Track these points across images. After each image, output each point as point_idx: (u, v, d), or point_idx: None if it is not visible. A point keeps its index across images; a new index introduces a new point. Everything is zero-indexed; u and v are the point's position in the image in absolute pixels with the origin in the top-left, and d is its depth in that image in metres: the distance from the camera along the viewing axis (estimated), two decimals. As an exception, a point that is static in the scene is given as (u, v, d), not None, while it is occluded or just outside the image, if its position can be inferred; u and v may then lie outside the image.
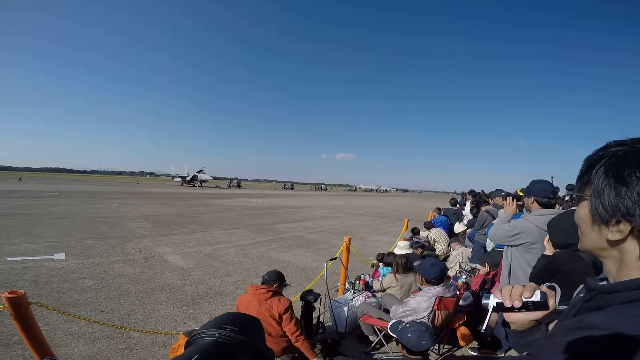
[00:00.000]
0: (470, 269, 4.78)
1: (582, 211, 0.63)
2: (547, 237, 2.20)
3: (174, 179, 66.57)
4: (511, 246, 2.71)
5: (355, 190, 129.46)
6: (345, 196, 54.59)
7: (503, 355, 3.09)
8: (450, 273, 5.10)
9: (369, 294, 4.03)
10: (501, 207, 3.22)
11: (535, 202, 2.64)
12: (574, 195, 0.70)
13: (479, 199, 6.34)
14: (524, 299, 0.71)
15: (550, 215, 2.27)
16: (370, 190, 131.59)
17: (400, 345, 2.34)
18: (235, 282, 5.40)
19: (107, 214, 12.82)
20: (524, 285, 0.75)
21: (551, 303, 0.73)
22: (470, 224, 6.08)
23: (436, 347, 3.25)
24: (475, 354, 3.28)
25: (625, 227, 0.54)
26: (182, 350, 0.53)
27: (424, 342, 2.18)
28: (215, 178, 76.59)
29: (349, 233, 11.10)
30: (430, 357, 3.04)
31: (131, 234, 9.00)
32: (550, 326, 0.75)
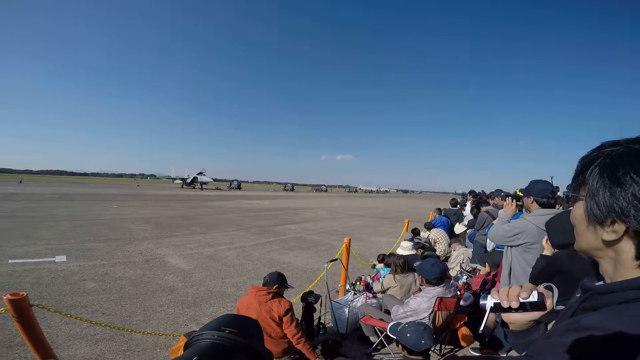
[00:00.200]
0: (471, 269, 4.79)
1: (578, 211, 0.64)
2: (546, 237, 2.21)
3: (174, 181, 66.56)
4: (511, 246, 2.72)
5: (356, 191, 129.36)
6: (345, 197, 54.59)
7: (504, 355, 3.09)
8: (452, 273, 5.11)
9: (370, 295, 4.04)
10: (501, 207, 3.23)
11: (534, 202, 2.65)
12: (569, 196, 0.70)
13: (479, 200, 6.35)
14: (521, 300, 0.71)
15: (550, 216, 2.28)
16: (371, 191, 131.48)
17: (400, 346, 2.35)
18: (236, 284, 5.40)
19: (108, 216, 12.83)
20: (521, 286, 0.74)
21: (548, 303, 0.73)
22: (470, 225, 6.08)
23: (437, 347, 3.25)
24: (476, 354, 3.28)
25: (620, 227, 0.55)
26: (182, 352, 0.53)
27: (423, 342, 2.19)
28: (215, 180, 76.58)
29: (349, 234, 11.09)
30: (431, 358, 3.04)
31: (132, 236, 9.01)
32: (550, 326, 0.75)
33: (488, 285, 3.77)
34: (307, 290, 3.60)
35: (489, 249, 4.64)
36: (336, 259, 4.17)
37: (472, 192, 8.13)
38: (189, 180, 58.01)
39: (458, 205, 8.21)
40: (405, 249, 5.10)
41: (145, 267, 6.04)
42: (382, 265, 5.23)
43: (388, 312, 3.36)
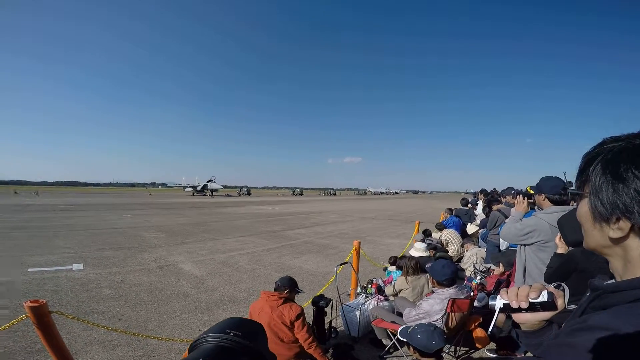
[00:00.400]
0: (484, 269, 4.71)
1: (583, 209, 0.63)
2: (559, 235, 2.16)
3: (185, 189, 67.52)
4: (524, 245, 2.67)
5: (365, 193, 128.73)
6: (354, 200, 54.36)
7: (521, 356, 3.03)
8: (466, 274, 5.03)
9: (382, 298, 4.01)
10: (513, 205, 3.18)
11: (546, 200, 2.59)
12: (574, 194, 0.69)
13: (491, 198, 6.25)
14: (531, 300, 0.70)
15: (562, 213, 2.24)
16: (380, 193, 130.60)
17: (411, 348, 2.33)
18: (248, 289, 5.44)
19: (122, 225, 13.10)
20: (531, 286, 0.73)
21: (559, 303, 0.72)
22: (482, 224, 5.99)
23: (452, 349, 3.21)
24: (493, 355, 3.22)
25: (625, 224, 0.54)
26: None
27: (434, 342, 2.16)
28: (225, 187, 77.39)
29: (360, 237, 11.04)
30: (446, 360, 3.00)
31: (146, 244, 9.18)
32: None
33: (502, 285, 3.70)
34: (318, 294, 3.60)
35: (503, 248, 4.55)
36: (346, 263, 4.16)
37: (483, 191, 8.00)
38: (199, 188, 58.77)
39: (469, 205, 8.08)
40: (418, 250, 5.05)
41: (159, 274, 6.15)
42: (394, 267, 5.18)
43: (400, 314, 3.33)
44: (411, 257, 4.11)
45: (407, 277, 3.77)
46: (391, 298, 3.95)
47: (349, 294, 4.72)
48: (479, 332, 3.16)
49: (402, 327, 2.65)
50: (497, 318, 0.79)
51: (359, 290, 4.51)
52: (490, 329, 0.86)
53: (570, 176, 2.68)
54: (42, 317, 2.06)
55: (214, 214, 19.94)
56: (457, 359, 3.17)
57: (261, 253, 8.46)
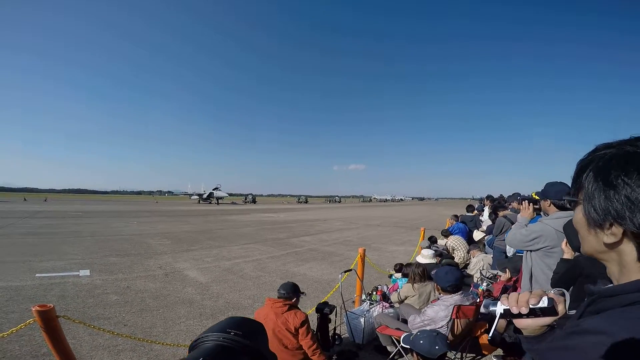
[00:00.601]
0: (491, 275, 4.65)
1: (578, 215, 0.64)
2: (565, 240, 2.14)
3: (191, 197, 68.03)
4: (530, 251, 2.65)
5: (370, 200, 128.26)
6: (360, 207, 54.17)
7: None
8: (473, 280, 4.97)
9: (387, 305, 3.97)
10: (519, 211, 3.16)
11: (552, 205, 2.57)
12: (570, 201, 0.70)
13: (497, 204, 6.20)
14: (531, 306, 0.70)
15: (568, 218, 2.22)
16: (385, 200, 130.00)
17: (415, 354, 2.31)
18: (253, 296, 5.43)
19: (129, 232, 13.21)
20: (531, 292, 0.74)
21: (560, 308, 0.72)
22: (489, 230, 5.93)
23: (459, 356, 3.16)
24: None
25: (618, 230, 0.55)
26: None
27: (437, 347, 2.14)
28: (230, 195, 77.78)
29: (365, 244, 10.98)
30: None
31: (152, 251, 9.23)
32: None
33: (509, 292, 3.65)
34: (322, 301, 3.59)
35: (509, 254, 4.50)
36: (351, 270, 4.15)
37: (489, 197, 7.93)
38: (205, 196, 59.18)
39: (475, 211, 8.01)
40: (425, 257, 5.02)
41: (164, 280, 6.17)
42: (399, 275, 5.14)
43: (405, 321, 3.30)
44: (418, 264, 4.08)
45: (414, 284, 3.74)
46: (396, 305, 3.92)
47: (353, 301, 4.69)
48: (485, 339, 3.12)
49: (405, 334, 2.62)
50: (498, 323, 0.79)
51: (363, 297, 4.48)
52: (490, 334, 0.86)
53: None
54: (49, 321, 2.09)
55: (219, 222, 20.03)
56: (464, 367, 3.12)
57: (266, 260, 8.45)
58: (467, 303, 2.97)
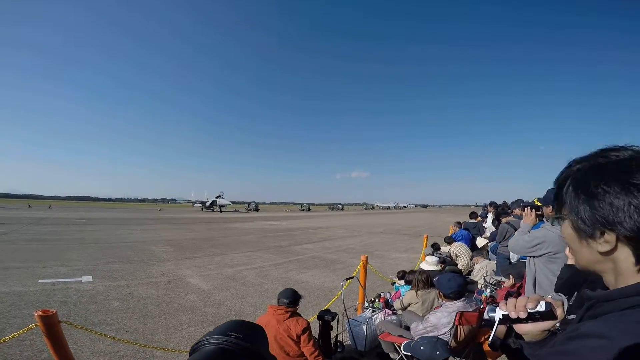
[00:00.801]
0: (495, 282, 4.60)
1: (567, 231, 0.65)
2: (568, 247, 2.13)
3: (194, 205, 68.18)
4: (533, 257, 2.63)
5: (373, 208, 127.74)
6: (362, 215, 53.94)
7: None
8: (477, 287, 4.92)
9: (389, 312, 3.94)
10: (522, 217, 3.16)
11: (554, 211, 2.57)
12: (555, 218, 0.71)
13: (500, 211, 6.17)
14: (529, 310, 0.71)
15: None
16: (388, 208, 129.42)
17: (416, 361, 2.28)
18: (255, 303, 5.41)
19: (132, 239, 13.25)
20: (529, 297, 0.75)
21: (559, 312, 0.72)
22: (492, 237, 5.88)
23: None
24: None
25: (610, 236, 0.56)
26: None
27: (438, 352, 2.12)
28: (233, 202, 77.93)
29: (368, 252, 10.92)
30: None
31: (154, 258, 9.24)
32: None
33: (513, 297, 3.61)
34: (324, 308, 3.57)
35: (513, 260, 4.47)
36: (353, 277, 4.13)
37: (492, 204, 7.89)
38: (208, 204, 59.30)
39: (478, 218, 7.96)
40: (429, 264, 4.98)
41: (167, 287, 6.17)
42: (402, 282, 5.10)
43: (408, 328, 3.27)
44: (422, 271, 4.06)
45: (418, 290, 3.71)
46: (399, 312, 3.88)
47: (356, 309, 4.65)
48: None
49: (406, 341, 2.60)
50: (497, 329, 0.80)
51: (366, 304, 4.45)
52: (490, 339, 0.87)
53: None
54: (51, 326, 2.10)
55: (222, 229, 20.03)
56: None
57: (268, 268, 8.43)
58: (470, 309, 2.94)
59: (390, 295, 4.72)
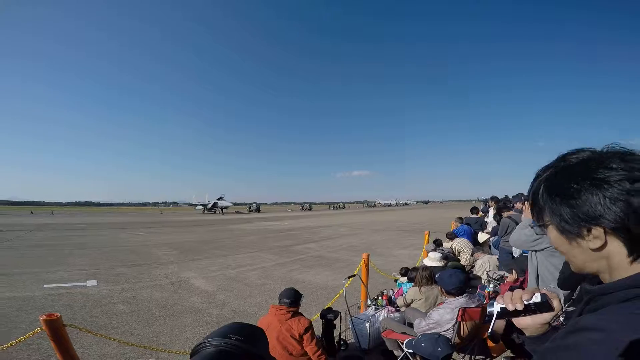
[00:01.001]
0: (498, 277, 4.61)
1: (554, 236, 0.66)
2: None
3: (196, 208, 68.25)
4: (535, 251, 2.63)
5: (374, 206, 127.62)
6: (364, 213, 53.92)
7: None
8: (480, 282, 4.92)
9: (392, 309, 3.95)
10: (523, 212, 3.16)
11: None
12: (539, 226, 0.72)
13: (502, 205, 6.16)
14: (525, 302, 0.73)
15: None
16: (390, 205, 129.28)
17: (418, 358, 2.29)
18: (258, 304, 5.43)
19: (135, 243, 13.30)
20: (524, 289, 0.76)
21: (555, 304, 0.73)
22: (494, 232, 5.88)
23: (467, 358, 3.12)
24: None
25: (597, 231, 0.57)
26: None
27: (439, 349, 2.13)
28: (235, 204, 78.07)
29: (370, 249, 10.92)
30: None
31: (158, 261, 9.28)
32: None
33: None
34: (327, 307, 3.58)
35: (516, 255, 4.46)
36: (354, 275, 4.14)
37: (494, 198, 7.87)
38: (209, 206, 59.34)
39: (480, 213, 7.95)
40: (433, 260, 4.98)
41: (171, 290, 6.20)
42: (404, 279, 5.11)
43: (411, 325, 3.28)
44: (425, 267, 4.06)
45: (421, 287, 3.71)
46: (402, 309, 3.89)
47: (359, 307, 4.66)
48: (492, 342, 3.08)
49: (408, 339, 2.61)
50: (496, 323, 0.81)
51: (368, 302, 4.46)
52: (489, 332, 0.88)
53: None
54: (56, 330, 2.13)
55: (224, 231, 20.07)
56: (472, 370, 3.07)
57: (271, 268, 8.45)
58: (473, 305, 2.94)
59: (393, 292, 4.73)
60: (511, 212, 5.23)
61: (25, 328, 4.09)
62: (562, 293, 2.18)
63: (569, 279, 2.09)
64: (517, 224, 4.40)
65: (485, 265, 5.20)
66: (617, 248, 0.56)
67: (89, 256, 9.80)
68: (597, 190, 0.56)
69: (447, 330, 2.85)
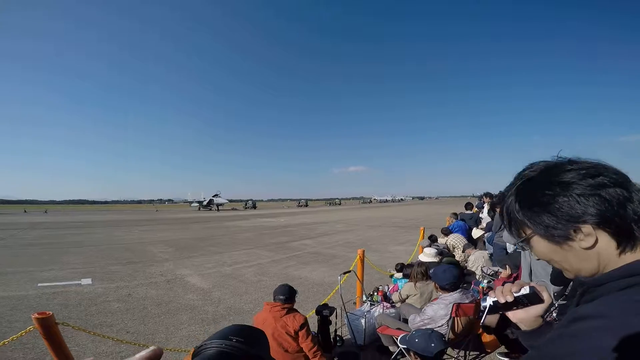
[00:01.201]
0: (492, 272, 4.65)
1: (543, 246, 0.65)
2: None
3: (192, 205, 67.98)
4: (528, 247, 2.67)
5: (370, 202, 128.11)
6: (360, 209, 54.07)
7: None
8: (474, 278, 4.97)
9: (388, 305, 3.97)
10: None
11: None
12: (521, 242, 0.73)
13: (496, 201, 6.21)
14: (514, 294, 0.74)
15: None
16: (386, 201, 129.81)
17: (412, 353, 2.31)
18: (254, 300, 5.44)
19: (130, 241, 13.22)
20: (513, 282, 0.78)
21: (545, 296, 0.74)
22: (488, 227, 5.93)
23: (462, 354, 3.16)
24: (504, 359, 3.16)
25: (587, 228, 0.57)
26: None
27: (433, 345, 2.15)
28: (231, 201, 77.74)
29: (366, 245, 10.98)
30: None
31: (153, 258, 9.24)
32: None
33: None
34: (322, 303, 3.59)
35: (510, 250, 4.51)
36: (350, 271, 4.15)
37: (487, 194, 7.92)
38: (205, 203, 59.14)
39: (474, 209, 8.00)
40: (428, 255, 5.01)
41: (166, 287, 6.18)
42: (400, 275, 5.14)
43: (406, 321, 3.30)
44: (421, 263, 4.08)
45: (417, 282, 3.74)
46: (397, 305, 3.92)
47: (354, 303, 4.69)
48: (488, 336, 3.12)
49: (402, 335, 2.63)
50: (486, 318, 0.83)
51: (364, 298, 4.48)
52: (480, 323, 0.89)
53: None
54: (48, 328, 2.11)
55: (220, 228, 20.02)
56: (467, 364, 3.12)
57: (267, 265, 8.45)
58: (467, 301, 2.97)
59: (389, 288, 4.76)
60: (505, 208, 5.28)
61: (19, 327, 4.06)
62: (552, 287, 2.21)
63: (562, 274, 2.12)
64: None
65: (478, 261, 5.25)
66: (606, 243, 0.57)
67: (84, 254, 9.73)
68: (568, 192, 0.59)
69: (442, 325, 2.88)
